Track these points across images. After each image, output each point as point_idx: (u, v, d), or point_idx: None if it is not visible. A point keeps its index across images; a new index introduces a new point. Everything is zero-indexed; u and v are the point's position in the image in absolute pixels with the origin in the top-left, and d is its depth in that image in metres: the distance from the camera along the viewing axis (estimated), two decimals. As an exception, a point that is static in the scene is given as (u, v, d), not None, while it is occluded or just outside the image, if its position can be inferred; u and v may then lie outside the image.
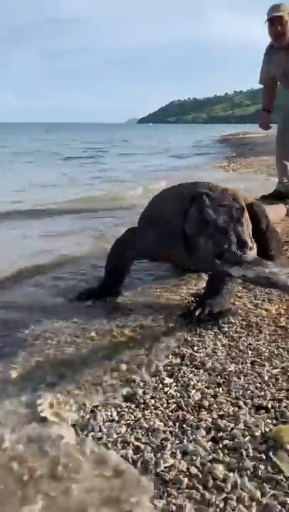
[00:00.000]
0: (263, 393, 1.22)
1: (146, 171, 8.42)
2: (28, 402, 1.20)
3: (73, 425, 1.11)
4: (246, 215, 1.46)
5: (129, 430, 1.09)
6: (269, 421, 1.10)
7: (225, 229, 1.36)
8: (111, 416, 1.15)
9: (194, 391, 1.24)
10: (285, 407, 1.16)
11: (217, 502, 0.87)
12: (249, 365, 1.37)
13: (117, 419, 1.14)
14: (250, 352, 1.45)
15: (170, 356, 1.44)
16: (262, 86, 4.03)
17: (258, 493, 0.88)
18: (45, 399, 1.20)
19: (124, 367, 1.38)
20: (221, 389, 1.25)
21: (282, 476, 0.93)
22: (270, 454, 0.99)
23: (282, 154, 4.10)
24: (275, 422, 1.10)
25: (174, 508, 0.85)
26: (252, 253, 1.33)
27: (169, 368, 1.37)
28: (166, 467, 0.96)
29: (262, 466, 0.95)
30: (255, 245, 1.36)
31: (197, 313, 1.65)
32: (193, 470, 0.95)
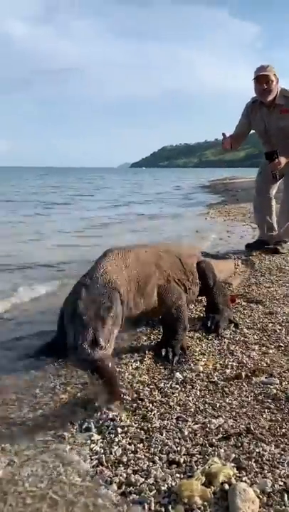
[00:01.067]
0: (178, 448, 1.33)
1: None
2: None
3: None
4: (110, 313, 1.58)
5: (49, 484, 1.19)
6: (177, 475, 1.21)
7: (85, 325, 1.49)
8: (36, 471, 1.25)
9: (117, 447, 1.35)
10: (195, 461, 1.27)
11: None
12: (174, 420, 1.49)
13: (41, 474, 1.24)
14: (178, 408, 1.56)
15: (105, 413, 1.55)
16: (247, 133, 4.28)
17: None
18: (-24, 456, 1.30)
19: (57, 424, 1.49)
20: (141, 445, 1.36)
21: (174, 528, 1.03)
22: (169, 507, 1.10)
23: (257, 203, 4.40)
24: (182, 476, 1.21)
25: None
26: (101, 353, 1.46)
27: (99, 424, 1.48)
28: (74, 520, 1.07)
29: (159, 519, 1.06)
30: (108, 346, 1.52)
31: (164, 353, 1.93)
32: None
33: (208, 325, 2.28)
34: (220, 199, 13.68)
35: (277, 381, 1.72)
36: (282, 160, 3.78)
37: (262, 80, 3.74)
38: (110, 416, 1.51)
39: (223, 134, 4.04)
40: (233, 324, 2.33)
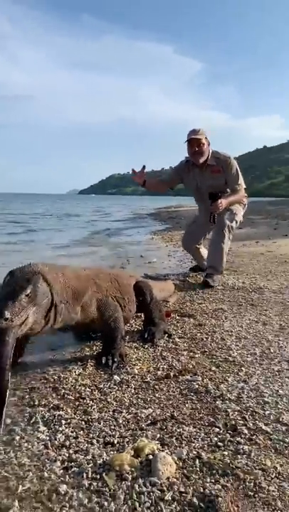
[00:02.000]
0: (113, 433, 1.58)
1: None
2: None
3: None
4: (26, 291, 1.78)
5: (1, 466, 1.40)
6: (111, 452, 1.46)
7: None
8: (-11, 457, 1.45)
9: (60, 435, 1.58)
10: (127, 441, 1.52)
11: (56, 510, 1.20)
12: (111, 412, 1.74)
13: (-6, 459, 1.44)
14: (114, 403, 1.82)
15: (51, 410, 1.77)
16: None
17: (86, 501, 1.23)
18: None
19: (8, 420, 1.69)
20: (82, 432, 1.59)
21: (106, 489, 1.28)
22: (103, 474, 1.34)
23: (186, 243, 4.77)
24: (115, 453, 1.46)
25: None
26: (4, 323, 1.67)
27: (46, 418, 1.70)
28: (23, 489, 1.28)
29: (94, 483, 1.30)
30: (17, 318, 1.71)
31: (104, 360, 2.19)
32: (44, 489, 1.28)
33: (145, 336, 2.57)
34: (164, 226, 14.23)
35: (200, 378, 2.03)
36: (223, 202, 4.04)
37: (194, 142, 4.03)
38: (56, 413, 1.74)
39: (133, 170, 4.22)
40: (166, 335, 2.63)
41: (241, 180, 4.21)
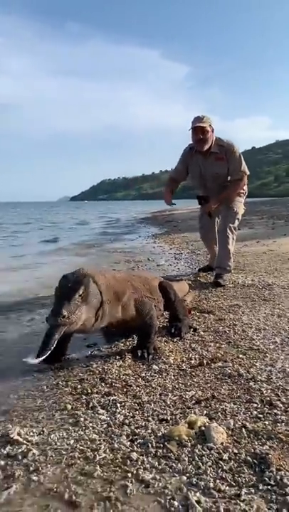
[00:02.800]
0: (165, 411, 1.82)
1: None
2: None
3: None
4: (78, 292, 2.07)
5: (75, 442, 1.62)
6: (168, 427, 1.69)
7: (56, 300, 2.07)
8: (63, 435, 1.67)
9: (119, 415, 1.81)
10: (179, 417, 1.76)
11: (133, 471, 1.43)
12: (158, 396, 1.97)
13: (66, 436, 1.67)
14: (159, 388, 2.05)
15: (104, 396, 1.99)
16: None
17: (156, 463, 1.46)
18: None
19: (69, 406, 1.91)
20: (137, 412, 1.83)
21: (171, 454, 1.51)
22: (166, 443, 1.57)
23: (202, 236, 5.03)
24: (171, 427, 1.69)
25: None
26: (58, 319, 1.98)
27: (102, 403, 1.92)
28: (100, 458, 1.51)
29: (160, 451, 1.54)
30: (72, 315, 2.01)
31: (140, 353, 2.41)
32: (118, 457, 1.51)
33: (172, 331, 2.80)
34: (163, 230, 14.49)
35: (231, 365, 2.27)
36: (212, 202, 4.34)
37: (198, 130, 4.13)
38: (109, 398, 1.96)
39: (164, 195, 4.66)
40: (192, 329, 2.87)
41: (244, 167, 4.33)
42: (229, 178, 4.39)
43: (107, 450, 1.56)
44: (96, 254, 7.84)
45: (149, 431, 1.67)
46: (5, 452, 1.57)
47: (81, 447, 1.59)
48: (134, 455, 1.52)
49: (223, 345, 2.58)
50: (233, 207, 4.41)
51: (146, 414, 1.81)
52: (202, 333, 2.82)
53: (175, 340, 2.72)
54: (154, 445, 1.57)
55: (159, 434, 1.64)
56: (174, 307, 2.93)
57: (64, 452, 1.56)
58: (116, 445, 1.58)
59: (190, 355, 2.46)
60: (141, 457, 1.50)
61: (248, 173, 4.40)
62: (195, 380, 2.13)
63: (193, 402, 1.90)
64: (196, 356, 2.43)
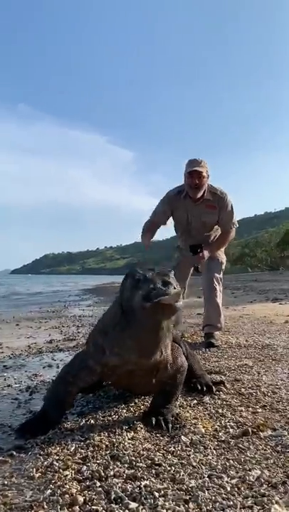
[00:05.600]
0: (231, 502, 1.21)
1: None
2: None
3: None
4: (172, 275, 1.64)
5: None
6: (248, 528, 1.09)
7: (152, 279, 1.57)
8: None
9: (165, 510, 1.18)
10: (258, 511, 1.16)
11: None
12: (207, 478, 1.36)
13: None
14: (203, 467, 1.44)
15: (128, 482, 1.35)
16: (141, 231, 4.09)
17: None
18: None
19: (80, 499, 1.25)
20: (190, 504, 1.21)
21: None
22: None
23: None
24: (254, 526, 1.09)
25: None
26: (175, 290, 1.51)
27: (130, 492, 1.29)
28: None
29: None
30: (179, 287, 1.56)
31: (154, 421, 1.80)
32: None
33: (199, 388, 2.27)
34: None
35: (286, 433, 1.71)
36: (206, 254, 3.82)
37: (195, 175, 3.69)
38: (137, 484, 1.33)
39: (143, 239, 4.00)
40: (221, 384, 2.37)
41: (235, 219, 3.98)
42: (217, 227, 4.04)
43: None
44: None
45: (224, 537, 1.06)
46: None
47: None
48: None
49: (259, 410, 2.01)
50: (217, 257, 4.00)
51: (204, 508, 1.19)
52: (223, 396, 2.24)
53: (192, 404, 2.13)
54: None
55: None
56: (189, 362, 2.34)
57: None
58: None
59: (222, 422, 1.87)
60: None
61: (237, 225, 4.07)
62: (248, 454, 1.54)
63: (265, 486, 1.31)
64: (232, 424, 1.85)
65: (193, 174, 3.70)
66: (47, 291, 21.87)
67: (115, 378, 1.93)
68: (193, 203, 3.88)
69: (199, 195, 3.78)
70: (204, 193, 3.81)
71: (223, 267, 4.07)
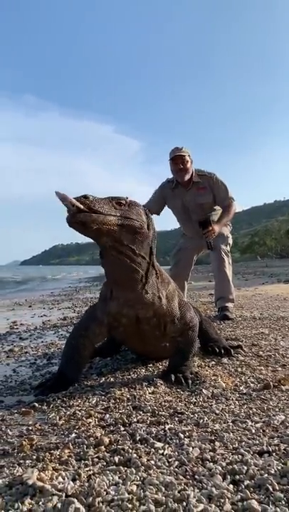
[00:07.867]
0: (257, 441, 1.21)
1: None
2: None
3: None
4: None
5: (139, 489, 0.98)
6: (276, 462, 1.08)
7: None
8: (113, 480, 1.02)
9: (191, 448, 1.17)
10: (284, 449, 1.15)
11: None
12: (231, 423, 1.36)
13: (119, 481, 1.02)
14: (227, 414, 1.44)
15: (151, 426, 1.35)
16: None
17: None
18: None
19: (106, 440, 1.26)
20: (216, 443, 1.20)
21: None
22: None
23: (176, 273, 4.13)
24: (283, 460, 1.09)
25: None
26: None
27: (155, 434, 1.29)
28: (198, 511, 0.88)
29: (292, 495, 0.92)
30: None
31: (173, 378, 1.81)
32: (228, 508, 0.88)
33: (218, 351, 2.27)
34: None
35: (308, 386, 1.70)
36: (216, 228, 3.78)
37: (178, 160, 3.88)
38: (161, 427, 1.33)
39: None
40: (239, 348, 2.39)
41: (231, 193, 4.00)
42: (217, 207, 4.06)
43: (203, 498, 0.93)
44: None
45: (253, 467, 1.05)
46: (25, 509, 0.90)
47: (154, 495, 0.94)
48: (256, 504, 0.89)
49: (278, 368, 2.01)
50: (222, 232, 3.99)
51: (231, 447, 1.19)
52: (241, 358, 2.24)
53: (211, 364, 2.13)
54: (276, 488, 0.96)
55: (272, 470, 1.03)
56: (203, 327, 2.34)
57: (129, 506, 0.91)
58: (214, 490, 0.95)
59: (243, 378, 1.87)
60: (269, 508, 0.88)
61: (235, 198, 4.05)
62: (271, 404, 1.53)
63: (290, 428, 1.30)
64: (253, 380, 1.84)
65: (177, 159, 3.89)
66: (61, 278, 21.99)
67: (123, 332, 1.89)
68: (185, 190, 4.01)
69: (187, 177, 3.93)
70: (192, 176, 3.96)
71: (230, 241, 4.09)
